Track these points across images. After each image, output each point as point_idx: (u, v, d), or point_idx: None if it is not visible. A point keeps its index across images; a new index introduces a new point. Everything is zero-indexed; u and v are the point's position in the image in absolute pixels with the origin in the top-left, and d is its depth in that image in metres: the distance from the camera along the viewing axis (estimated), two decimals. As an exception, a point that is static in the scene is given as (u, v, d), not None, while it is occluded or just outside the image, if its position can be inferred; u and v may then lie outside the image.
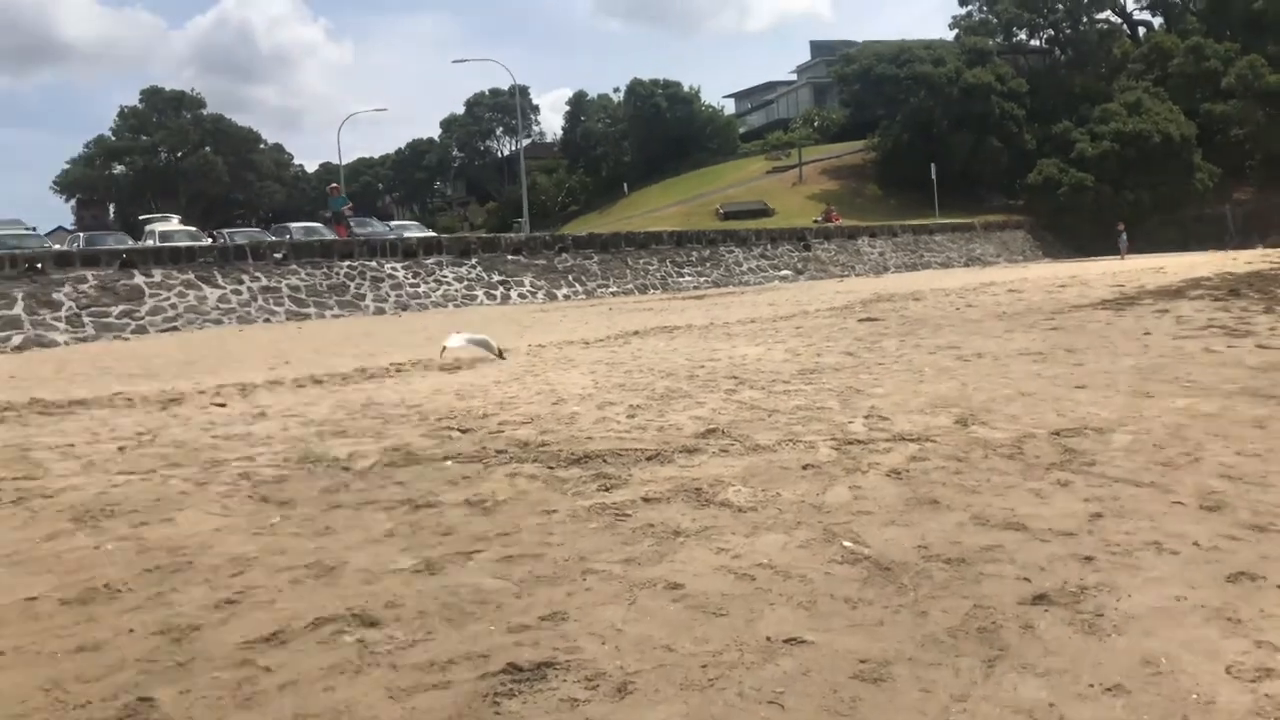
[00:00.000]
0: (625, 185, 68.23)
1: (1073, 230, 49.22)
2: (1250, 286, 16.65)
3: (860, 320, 14.35)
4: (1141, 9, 70.64)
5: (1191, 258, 29.35)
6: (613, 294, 28.65)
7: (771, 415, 6.75)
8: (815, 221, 43.78)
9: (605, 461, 5.48)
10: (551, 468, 5.41)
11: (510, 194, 75.96)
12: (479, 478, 5.28)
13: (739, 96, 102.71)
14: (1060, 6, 59.75)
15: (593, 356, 11.41)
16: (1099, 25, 65.15)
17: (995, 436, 5.78)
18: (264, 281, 23.01)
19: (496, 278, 26.75)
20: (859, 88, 54.84)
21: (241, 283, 22.62)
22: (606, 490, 4.85)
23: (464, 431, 6.73)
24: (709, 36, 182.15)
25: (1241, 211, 54.14)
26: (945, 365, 9.06)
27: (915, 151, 51.75)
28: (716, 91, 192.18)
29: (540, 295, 27.20)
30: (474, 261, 26.76)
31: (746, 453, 5.58)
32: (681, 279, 31.31)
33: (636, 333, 14.26)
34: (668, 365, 10.03)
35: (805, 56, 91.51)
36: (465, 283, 26.06)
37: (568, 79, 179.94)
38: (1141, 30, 69.68)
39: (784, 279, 34.39)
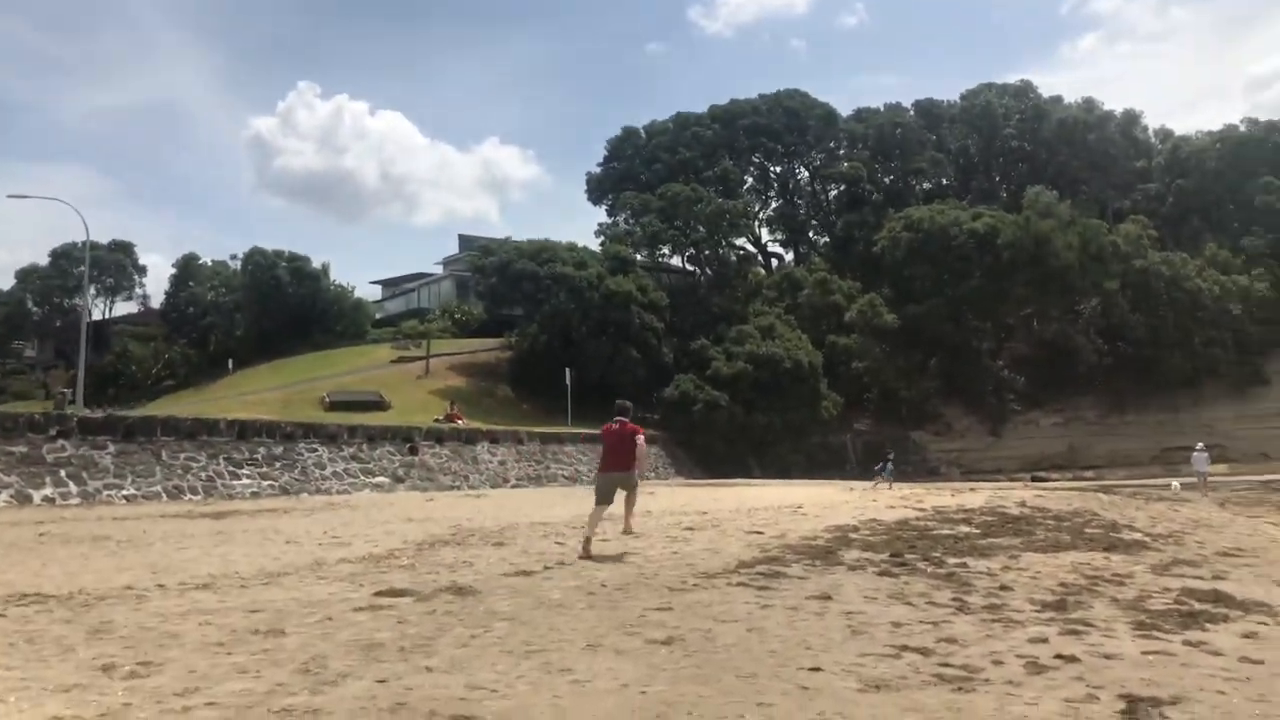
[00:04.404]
0: (230, 362, 60.18)
1: (706, 449, 47.68)
2: (911, 548, 13.25)
3: (378, 594, 8.96)
4: (774, 242, 74.81)
5: (828, 492, 26.96)
6: (126, 498, 21.51)
7: None
8: (435, 420, 38.70)
9: None
10: None
11: (95, 361, 65.22)
12: None
13: (386, 284, 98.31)
14: (701, 229, 60.92)
15: None
16: (737, 251, 67.53)
17: None
18: None
19: (-65, 469, 18.90)
20: (496, 281, 51.69)
21: None
22: None
23: None
24: (373, 225, 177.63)
25: (861, 441, 55.62)
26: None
27: (552, 355, 48.83)
28: (369, 278, 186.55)
29: (6, 496, 19.53)
30: (-95, 443, 18.82)
31: None
32: (238, 482, 24.69)
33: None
34: None
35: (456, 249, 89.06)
36: (-126, 473, 18.02)
37: (213, 251, 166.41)
38: (775, 261, 73.40)
39: (379, 488, 28.64)
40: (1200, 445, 36.42)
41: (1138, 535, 16.08)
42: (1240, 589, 10.65)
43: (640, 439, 13.06)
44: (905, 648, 7.12)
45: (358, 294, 74.80)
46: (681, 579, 10.09)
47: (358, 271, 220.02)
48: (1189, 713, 5.63)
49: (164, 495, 22.39)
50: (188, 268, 70.73)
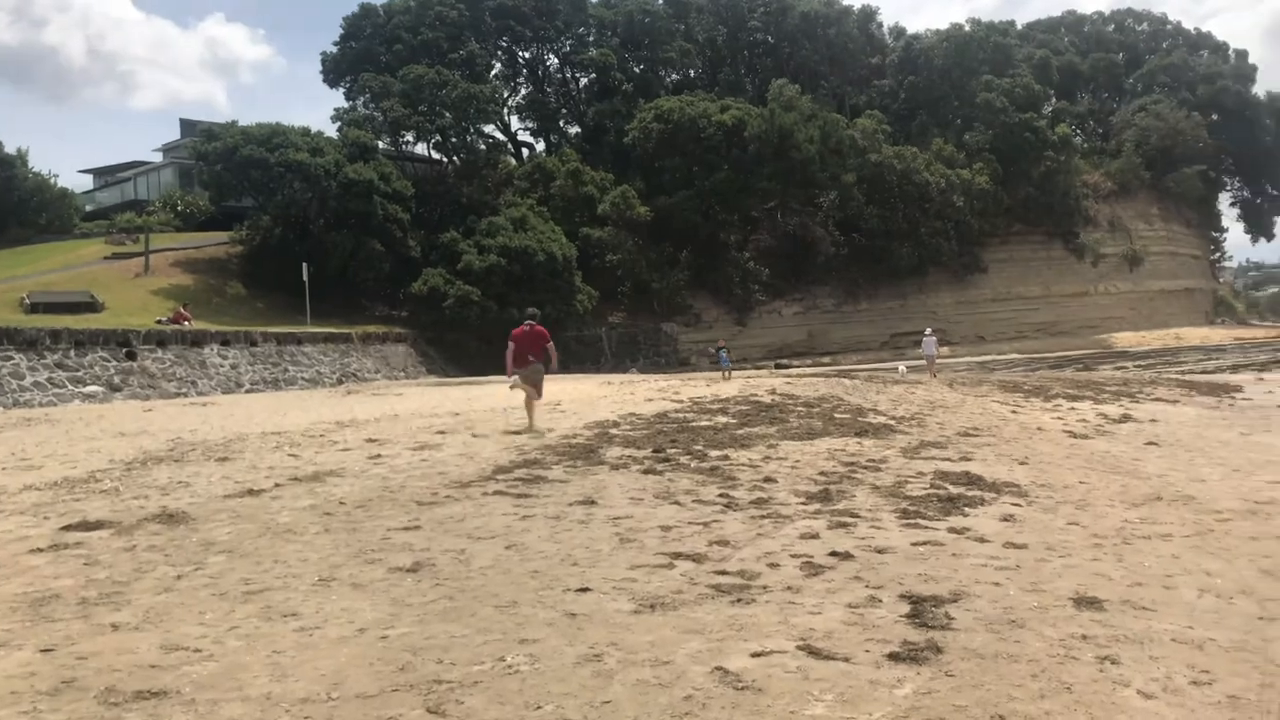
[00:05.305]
0: (-91, 260, 52.62)
1: (459, 345, 46.41)
2: (673, 442, 12.97)
3: (65, 529, 7.56)
4: (525, 131, 73.01)
5: (586, 387, 26.58)
6: None
7: None
8: (158, 321, 35.37)
9: None
10: None
11: None
12: None
13: (98, 173, 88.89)
14: (447, 115, 58.25)
15: None
16: (486, 139, 65.31)
17: None
18: None
19: None
20: (221, 169, 47.31)
21: None
22: None
23: None
24: (83, 108, 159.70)
25: (615, 335, 55.98)
26: None
27: (288, 249, 45.59)
28: (79, 166, 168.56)
29: None
30: None
31: None
32: (-88, 398, 21.43)
33: None
34: None
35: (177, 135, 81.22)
36: None
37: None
38: (526, 151, 71.72)
39: (90, 398, 25.83)
40: (929, 331, 38.77)
41: (883, 419, 16.57)
42: (987, 469, 10.97)
43: (550, 344, 15.76)
44: (678, 555, 6.63)
45: (63, 184, 67.01)
46: (432, 490, 9.22)
47: (65, 159, 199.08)
48: (971, 609, 5.41)
49: None
50: None
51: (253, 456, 11.88)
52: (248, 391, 31.18)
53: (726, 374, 32.88)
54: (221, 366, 32.07)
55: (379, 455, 11.80)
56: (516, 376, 15.34)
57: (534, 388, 15.51)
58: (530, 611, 5.23)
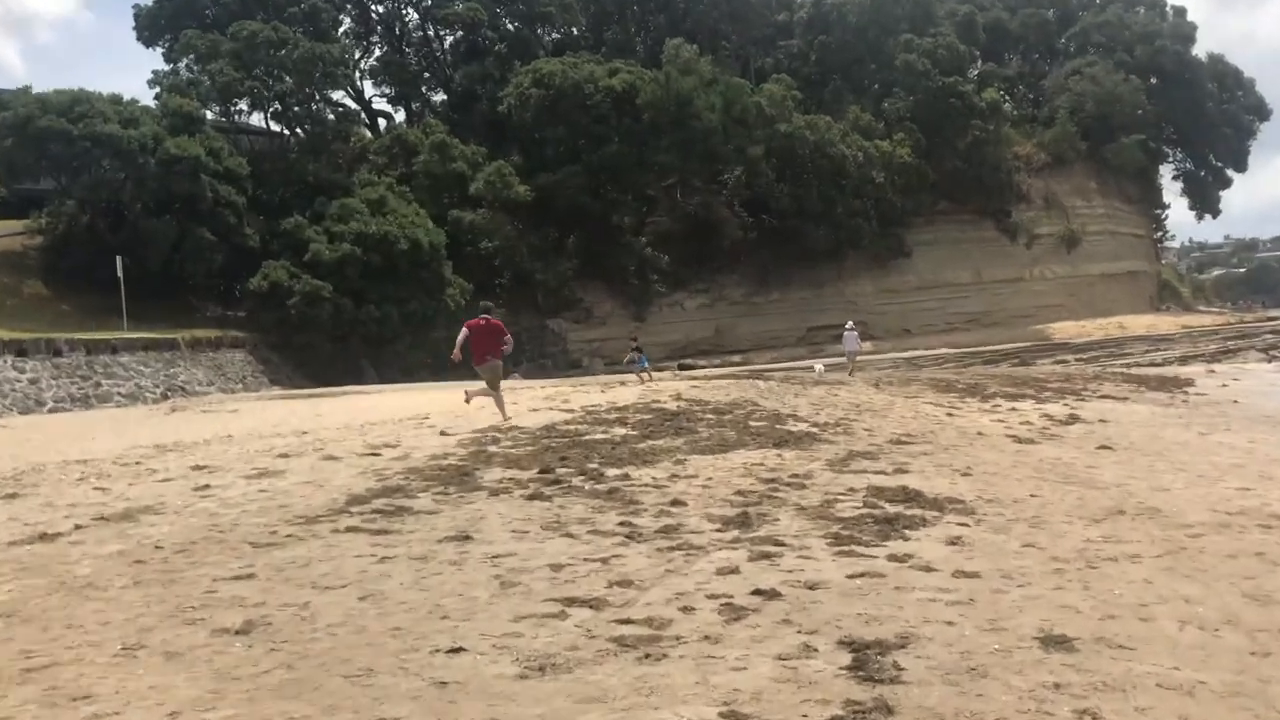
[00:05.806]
0: None
1: (308, 350, 45.29)
2: (563, 460, 12.73)
3: None
4: (381, 97, 71.81)
5: (460, 396, 25.99)
6: None
7: None
8: (-64, 329, 33.69)
9: None
10: None
11: None
12: None
13: None
14: (288, 79, 56.80)
15: None
16: (335, 108, 64.00)
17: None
18: None
19: None
20: (12, 145, 45.09)
21: None
22: None
23: None
24: None
25: (494, 334, 55.38)
26: None
27: (98, 239, 43.93)
28: None
29: None
30: None
31: None
32: None
33: None
34: None
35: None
36: None
37: None
38: (383, 122, 70.56)
39: None
40: (850, 324, 39.34)
41: (804, 426, 16.54)
42: (926, 483, 10.93)
43: (507, 335, 17.73)
44: (572, 600, 6.32)
45: None
46: (270, 528, 8.72)
47: None
48: (923, 655, 5.23)
49: None
50: None
51: (50, 491, 11.18)
52: (51, 411, 29.89)
53: (644, 376, 32.40)
54: (18, 382, 30.72)
55: (207, 486, 11.21)
56: (475, 377, 17.73)
57: (492, 385, 17.36)
58: (390, 681, 4.86)
